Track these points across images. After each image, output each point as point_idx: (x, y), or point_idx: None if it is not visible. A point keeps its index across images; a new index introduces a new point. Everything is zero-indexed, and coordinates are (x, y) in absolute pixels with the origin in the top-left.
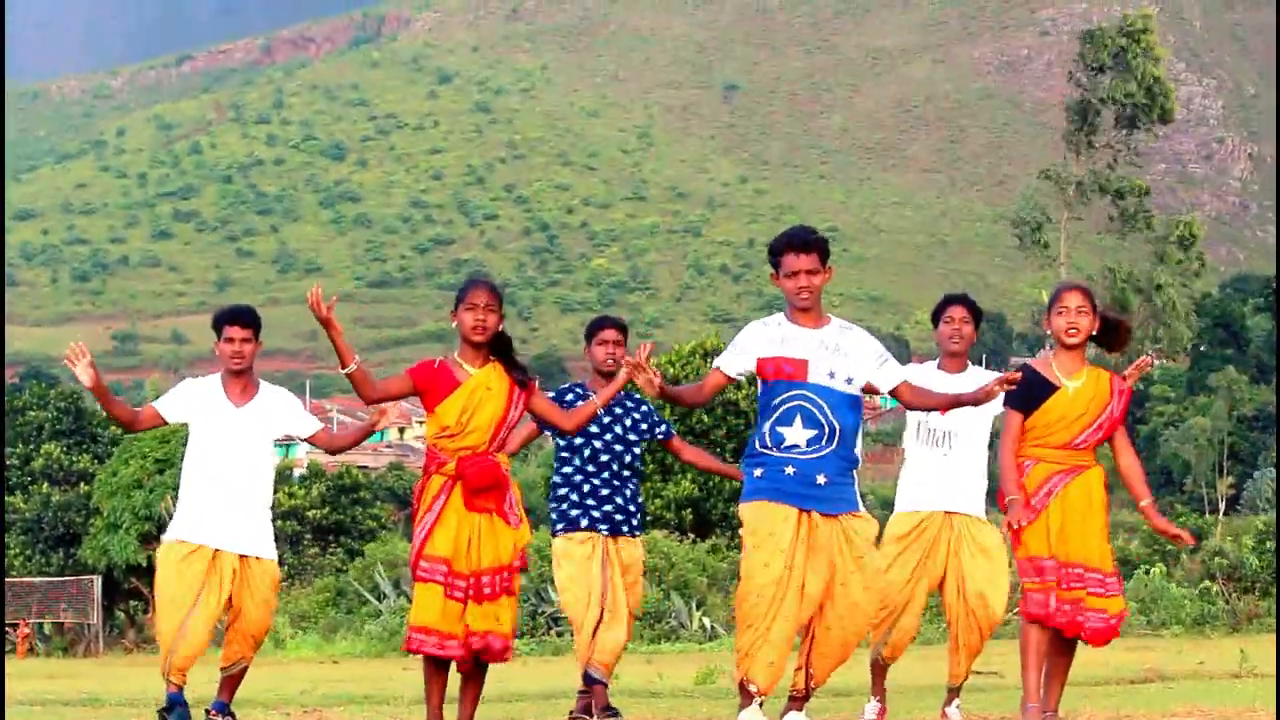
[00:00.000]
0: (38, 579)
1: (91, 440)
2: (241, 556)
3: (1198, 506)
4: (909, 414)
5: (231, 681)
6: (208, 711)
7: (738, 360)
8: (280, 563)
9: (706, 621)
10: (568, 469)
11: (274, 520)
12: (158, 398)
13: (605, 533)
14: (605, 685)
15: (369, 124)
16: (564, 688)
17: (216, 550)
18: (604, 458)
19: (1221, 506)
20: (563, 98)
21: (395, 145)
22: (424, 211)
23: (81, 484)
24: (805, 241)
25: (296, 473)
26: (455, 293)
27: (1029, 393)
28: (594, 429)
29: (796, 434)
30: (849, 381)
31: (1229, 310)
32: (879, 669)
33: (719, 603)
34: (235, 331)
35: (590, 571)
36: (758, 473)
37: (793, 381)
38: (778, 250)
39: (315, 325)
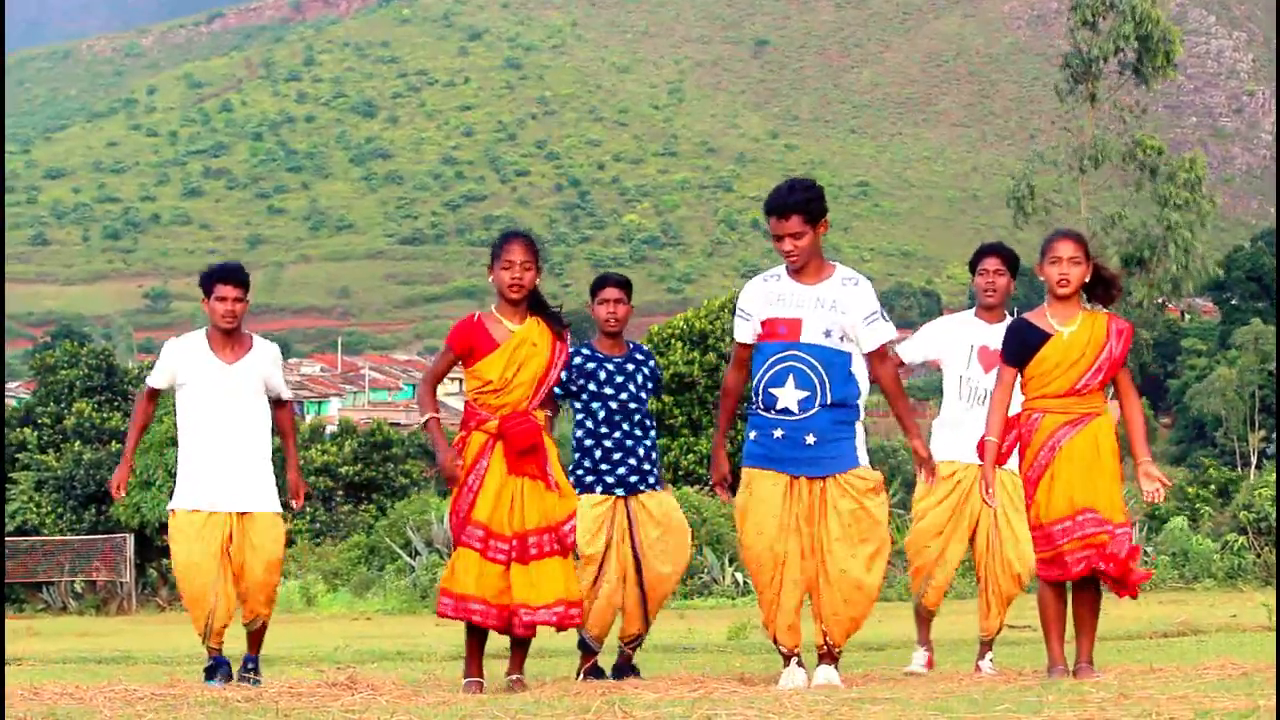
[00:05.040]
0: (70, 537)
1: (123, 398)
2: (243, 514)
3: (1229, 460)
4: (947, 369)
5: (255, 637)
6: (241, 668)
7: (748, 328)
8: (311, 520)
9: (739, 577)
10: (580, 431)
11: (304, 477)
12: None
13: (622, 494)
14: (595, 652)
15: (399, 81)
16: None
17: (219, 513)
18: (617, 417)
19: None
20: (593, 54)
21: (426, 102)
22: (455, 168)
23: (113, 442)
24: (784, 206)
25: (329, 429)
26: (490, 248)
27: (1022, 344)
28: (608, 390)
29: (788, 396)
30: (844, 339)
31: (1260, 263)
32: (923, 618)
33: None
34: (228, 290)
35: (599, 535)
36: (752, 435)
37: (785, 342)
38: (765, 212)
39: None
